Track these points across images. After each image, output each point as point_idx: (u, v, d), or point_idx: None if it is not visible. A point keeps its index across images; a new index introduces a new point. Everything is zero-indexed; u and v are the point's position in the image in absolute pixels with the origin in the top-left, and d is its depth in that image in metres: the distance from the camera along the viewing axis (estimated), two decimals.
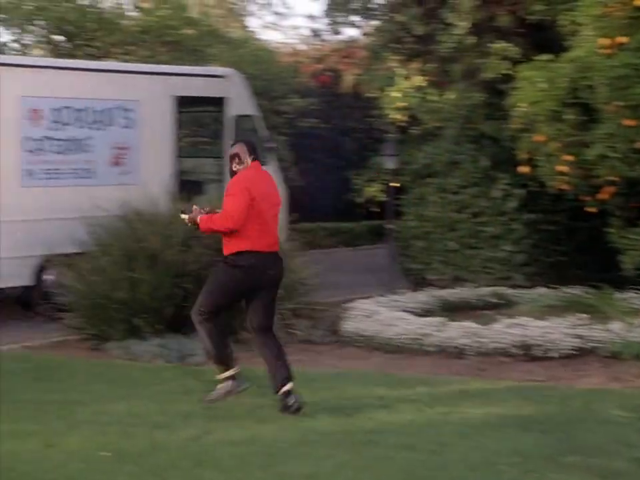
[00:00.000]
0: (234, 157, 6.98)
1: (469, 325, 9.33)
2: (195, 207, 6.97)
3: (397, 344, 9.29)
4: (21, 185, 10.62)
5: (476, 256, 12.35)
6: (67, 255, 10.27)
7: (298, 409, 6.71)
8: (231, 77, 12.77)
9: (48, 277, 10.93)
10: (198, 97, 12.53)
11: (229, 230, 6.69)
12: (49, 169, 10.85)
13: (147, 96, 11.66)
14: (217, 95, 12.54)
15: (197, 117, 14.66)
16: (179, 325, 9.46)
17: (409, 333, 9.30)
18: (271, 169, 13.22)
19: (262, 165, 7.09)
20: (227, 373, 6.99)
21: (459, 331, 9.19)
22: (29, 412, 6.81)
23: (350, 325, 9.79)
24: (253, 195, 6.68)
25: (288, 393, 6.77)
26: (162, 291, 9.44)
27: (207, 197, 12.13)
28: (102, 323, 9.51)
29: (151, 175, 11.56)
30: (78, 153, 11.14)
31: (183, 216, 6.99)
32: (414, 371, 8.53)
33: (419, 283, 12.58)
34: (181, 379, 8.09)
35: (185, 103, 12.23)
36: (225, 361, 6.98)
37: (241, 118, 12.88)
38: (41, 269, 10.83)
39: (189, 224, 6.96)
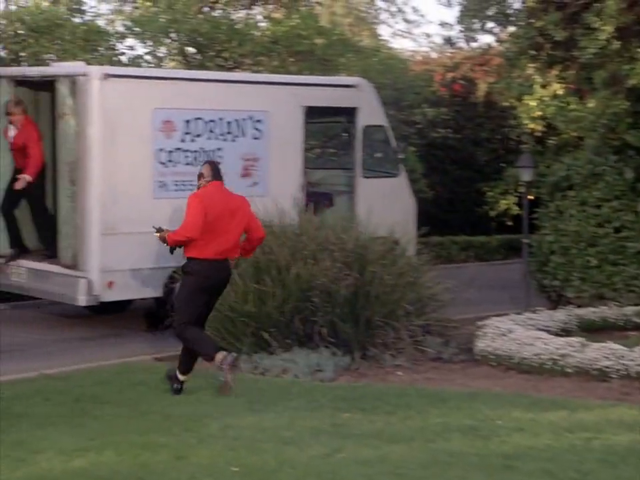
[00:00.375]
0: (200, 175, 8.30)
1: (612, 346, 9.02)
2: (165, 228, 8.28)
3: (533, 364, 9.09)
4: (153, 197, 10.91)
5: (619, 273, 11.99)
6: None
7: (177, 391, 8.05)
8: (361, 86, 12.80)
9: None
10: (328, 108, 12.60)
11: (187, 238, 7.95)
12: (180, 181, 11.12)
13: (276, 107, 11.81)
14: (347, 105, 12.59)
15: (327, 128, 14.76)
16: (308, 339, 9.54)
17: (546, 353, 9.09)
18: (399, 181, 13.25)
19: (223, 184, 8.23)
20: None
21: (600, 353, 8.91)
22: (159, 424, 7.00)
23: (483, 343, 9.64)
24: (206, 209, 7.90)
25: (180, 381, 8.09)
26: (290, 305, 9.53)
27: (337, 209, 12.22)
28: (230, 336, 9.68)
29: (280, 186, 11.68)
30: None
31: (155, 234, 8.23)
32: (552, 393, 8.31)
33: (556, 300, 12.29)
34: (309, 394, 8.14)
35: (314, 114, 12.32)
36: (214, 348, 8.09)
37: (371, 128, 12.89)
38: (172, 281, 11.07)
39: (161, 241, 8.23)
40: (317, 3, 19.82)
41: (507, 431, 6.73)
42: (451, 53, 20.63)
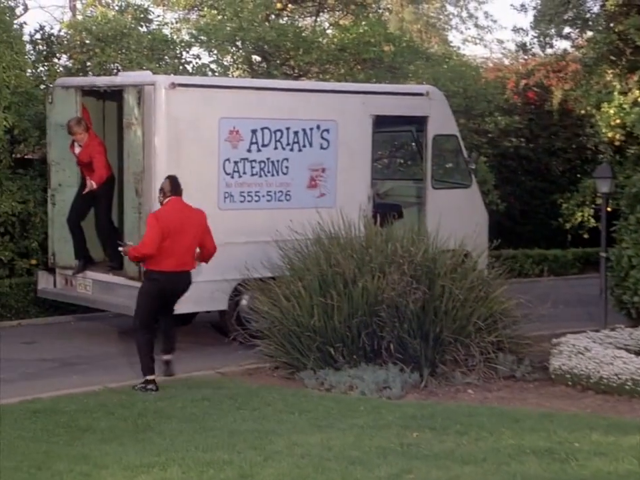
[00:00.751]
0: (160, 190, 9.21)
1: None
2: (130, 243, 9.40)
3: (612, 384, 8.92)
4: (219, 208, 10.97)
5: None
6: (261, 280, 10.50)
7: (146, 390, 8.86)
8: (431, 94, 12.73)
9: (243, 301, 11.21)
10: (397, 117, 12.54)
11: (143, 255, 9.00)
12: (246, 192, 11.18)
13: (345, 116, 11.79)
14: (417, 114, 12.52)
15: (396, 137, 14.70)
16: (375, 354, 9.50)
17: (626, 373, 8.91)
18: (471, 192, 13.12)
19: (182, 198, 9.13)
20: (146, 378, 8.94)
21: None
22: (224, 440, 7.03)
23: (558, 362, 9.48)
24: (162, 229, 8.82)
25: (152, 381, 8.93)
26: (357, 319, 9.50)
27: (406, 221, 12.14)
28: (295, 351, 9.70)
29: (347, 198, 11.65)
30: (274, 175, 11.40)
31: (120, 249, 9.34)
32: (633, 415, 8.14)
33: (636, 317, 12.01)
34: (377, 412, 8.10)
35: (383, 123, 12.27)
36: (149, 369, 8.99)
37: (442, 138, 12.80)
38: (236, 294, 11.13)
39: (124, 254, 9.42)
40: (386, 9, 19.82)
41: (586, 454, 6.60)
42: (525, 59, 20.41)
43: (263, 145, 11.23)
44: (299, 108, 11.57)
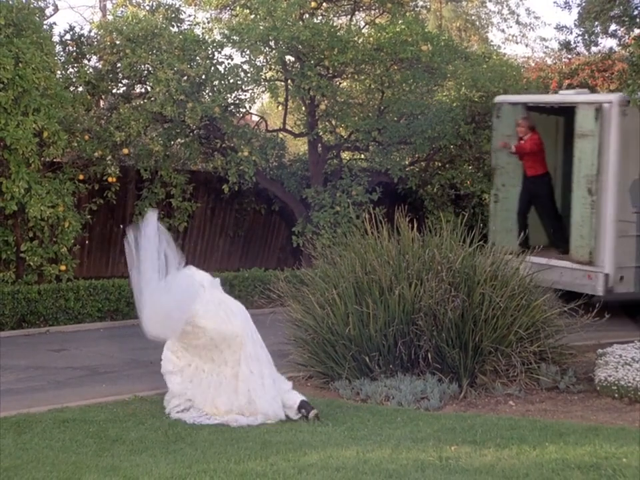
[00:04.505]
0: None
1: None
2: None
3: None
4: None
5: None
6: None
7: None
8: None
9: None
10: None
11: None
12: None
13: None
14: None
15: None
16: (412, 364, 9.47)
17: None
18: None
19: None
20: None
21: None
22: (256, 451, 7.03)
23: (604, 373, 9.39)
24: None
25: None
26: (393, 328, 9.48)
27: None
28: (329, 360, 9.69)
29: None
30: None
31: None
32: None
33: None
34: (414, 423, 8.07)
35: None
36: None
37: None
38: None
39: None
40: (424, 7, 19.76)
41: (634, 470, 6.51)
42: (569, 58, 20.26)
43: None
44: None
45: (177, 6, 16.21)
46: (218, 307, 8.28)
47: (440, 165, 17.85)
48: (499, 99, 14.94)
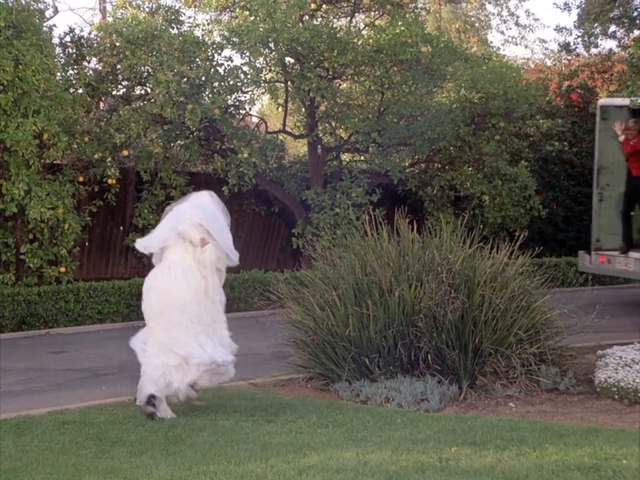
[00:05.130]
0: None
1: None
2: None
3: None
4: None
5: None
6: None
7: None
8: None
9: None
10: None
11: None
12: None
13: None
14: None
15: None
16: (412, 366, 9.48)
17: None
18: None
19: None
20: None
21: None
22: (256, 453, 7.03)
23: (604, 374, 9.38)
24: None
25: None
26: (393, 329, 9.48)
27: None
28: (329, 362, 9.70)
29: None
30: None
31: None
32: None
33: None
34: (414, 425, 8.07)
35: None
36: None
37: None
38: None
39: None
40: (423, 9, 19.79)
41: (634, 472, 6.50)
42: (568, 59, 20.30)
43: None
44: None
45: (176, 8, 16.25)
46: None
47: (440, 166, 17.88)
48: (605, 101, 15.34)
